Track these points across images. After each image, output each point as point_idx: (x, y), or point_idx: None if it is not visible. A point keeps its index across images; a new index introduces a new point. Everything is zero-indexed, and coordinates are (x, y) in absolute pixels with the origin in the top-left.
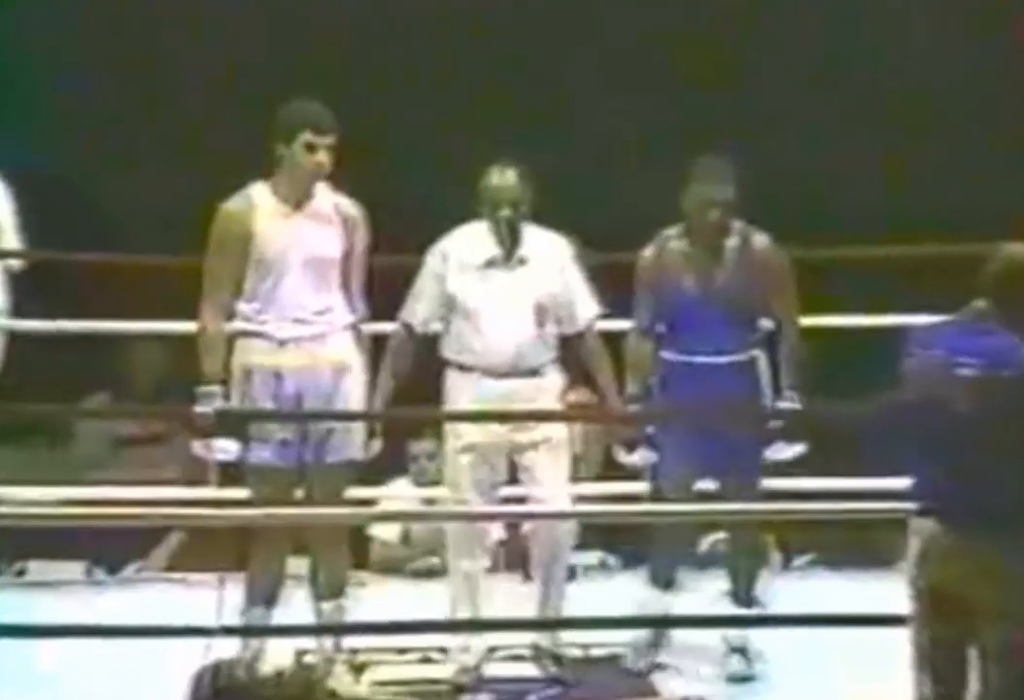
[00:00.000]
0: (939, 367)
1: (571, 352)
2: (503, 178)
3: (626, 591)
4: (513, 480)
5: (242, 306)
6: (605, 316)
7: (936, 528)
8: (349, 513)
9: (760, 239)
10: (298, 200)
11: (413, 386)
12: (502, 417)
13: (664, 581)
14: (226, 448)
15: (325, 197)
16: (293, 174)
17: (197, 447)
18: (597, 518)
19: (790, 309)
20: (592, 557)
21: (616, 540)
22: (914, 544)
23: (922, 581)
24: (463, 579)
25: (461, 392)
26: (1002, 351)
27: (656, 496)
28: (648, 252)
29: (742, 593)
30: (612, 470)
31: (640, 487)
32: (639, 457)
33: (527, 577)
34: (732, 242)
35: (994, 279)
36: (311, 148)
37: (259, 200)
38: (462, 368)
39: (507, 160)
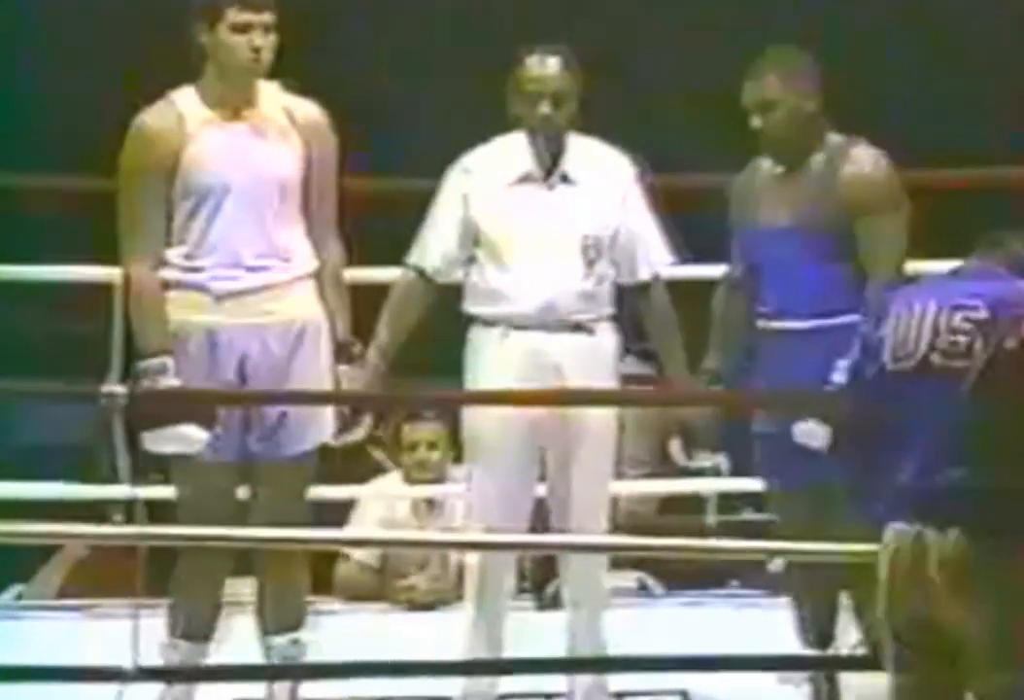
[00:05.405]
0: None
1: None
2: (543, 66)
3: (671, 622)
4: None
5: (168, 249)
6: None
7: (922, 534)
8: (311, 537)
9: (860, 154)
10: (235, 105)
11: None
12: (524, 399)
13: (821, 636)
14: (190, 437)
15: (273, 100)
16: (224, 68)
17: (148, 440)
18: (642, 552)
19: (880, 258)
20: (628, 578)
21: (659, 558)
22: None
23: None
24: (486, 616)
25: (479, 356)
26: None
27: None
28: (742, 175)
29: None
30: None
31: (702, 485)
32: (703, 458)
33: (542, 604)
34: (817, 159)
35: None
36: (242, 29)
37: (186, 108)
38: (485, 323)
39: (549, 45)
